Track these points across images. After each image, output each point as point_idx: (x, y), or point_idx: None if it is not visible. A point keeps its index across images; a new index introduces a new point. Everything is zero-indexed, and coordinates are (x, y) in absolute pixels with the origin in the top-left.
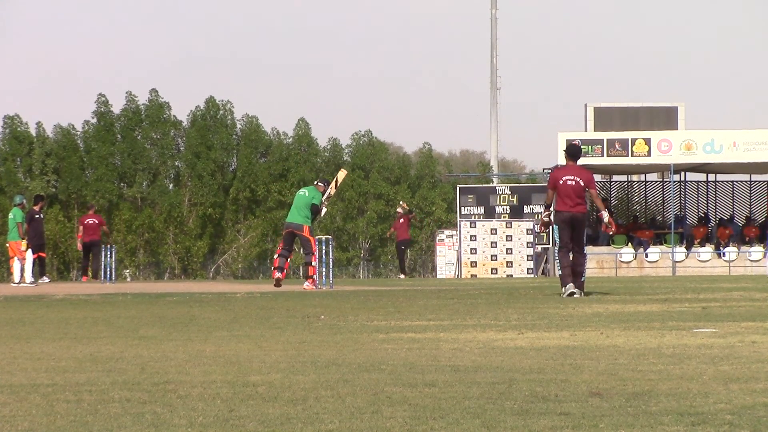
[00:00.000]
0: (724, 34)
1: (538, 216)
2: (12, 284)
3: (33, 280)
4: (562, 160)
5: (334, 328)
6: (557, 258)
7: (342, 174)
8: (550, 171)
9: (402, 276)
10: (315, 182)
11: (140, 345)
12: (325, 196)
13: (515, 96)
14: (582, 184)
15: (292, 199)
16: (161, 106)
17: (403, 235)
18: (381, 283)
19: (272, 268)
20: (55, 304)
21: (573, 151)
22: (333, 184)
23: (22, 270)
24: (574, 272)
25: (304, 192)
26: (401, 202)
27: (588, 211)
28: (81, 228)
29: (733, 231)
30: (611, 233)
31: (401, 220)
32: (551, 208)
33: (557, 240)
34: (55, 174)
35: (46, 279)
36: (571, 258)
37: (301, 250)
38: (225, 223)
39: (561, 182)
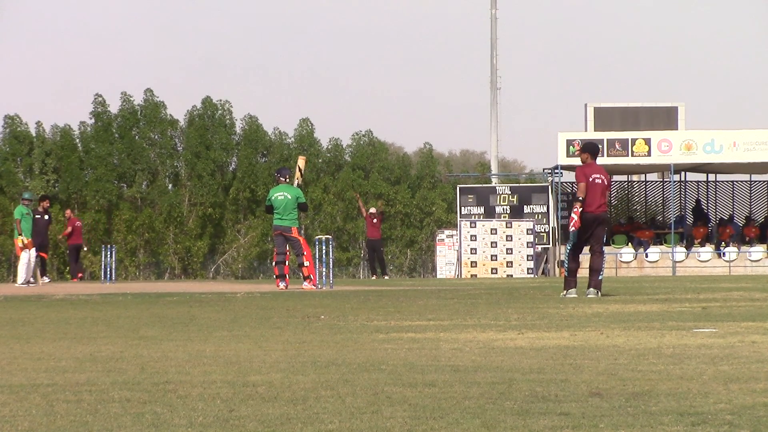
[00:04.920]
0: (724, 34)
1: (538, 216)
2: (21, 284)
3: (24, 280)
4: (562, 160)
5: (334, 328)
6: (567, 256)
7: (302, 161)
8: (549, 171)
9: (375, 276)
10: (283, 180)
11: (140, 345)
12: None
13: (515, 96)
14: (606, 183)
15: (269, 203)
16: (157, 105)
17: (375, 234)
18: (381, 283)
19: (275, 276)
20: (55, 304)
21: (594, 149)
22: (297, 173)
23: (30, 269)
24: (592, 269)
25: (283, 195)
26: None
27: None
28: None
29: (734, 231)
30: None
31: (374, 220)
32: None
33: (572, 239)
34: (55, 173)
35: (46, 279)
36: (589, 257)
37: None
38: (225, 223)
39: (590, 180)
